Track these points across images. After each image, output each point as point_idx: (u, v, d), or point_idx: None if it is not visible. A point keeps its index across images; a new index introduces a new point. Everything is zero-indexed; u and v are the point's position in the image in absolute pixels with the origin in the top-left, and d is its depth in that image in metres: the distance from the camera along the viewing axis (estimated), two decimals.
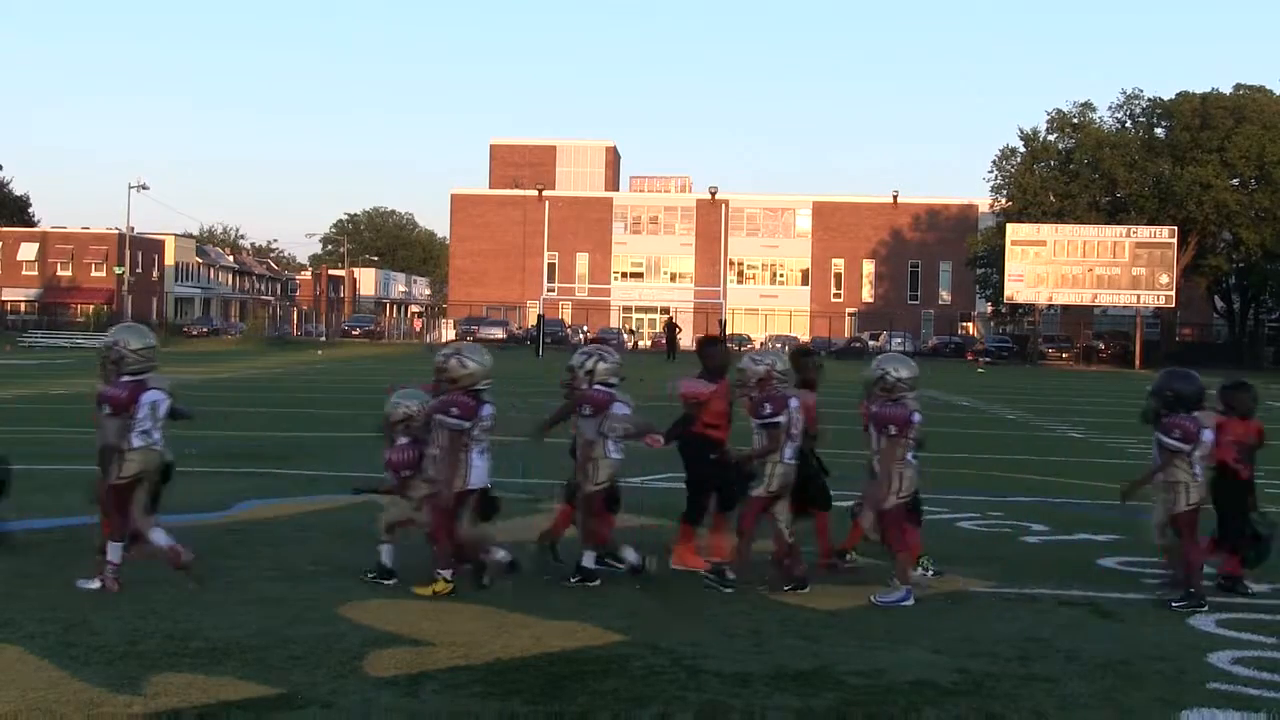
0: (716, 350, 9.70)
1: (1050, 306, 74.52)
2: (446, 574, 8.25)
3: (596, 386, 8.74)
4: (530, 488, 12.43)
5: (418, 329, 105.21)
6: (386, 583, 8.43)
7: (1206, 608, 8.29)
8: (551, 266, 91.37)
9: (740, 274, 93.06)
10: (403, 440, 8.68)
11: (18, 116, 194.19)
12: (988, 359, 68.54)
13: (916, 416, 8.54)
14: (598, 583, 8.59)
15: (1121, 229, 68.16)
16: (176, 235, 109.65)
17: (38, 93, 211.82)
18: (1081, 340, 77.21)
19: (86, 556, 9.07)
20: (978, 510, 12.34)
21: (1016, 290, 68.99)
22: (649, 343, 79.70)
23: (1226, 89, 71.79)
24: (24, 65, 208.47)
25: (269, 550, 9.61)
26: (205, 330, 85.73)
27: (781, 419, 8.65)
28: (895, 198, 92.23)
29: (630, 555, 8.71)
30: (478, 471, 8.41)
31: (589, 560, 8.68)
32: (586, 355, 8.94)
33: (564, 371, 8.96)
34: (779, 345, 77.91)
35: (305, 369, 42.44)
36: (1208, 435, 8.53)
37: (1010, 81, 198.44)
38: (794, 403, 8.76)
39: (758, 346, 76.29)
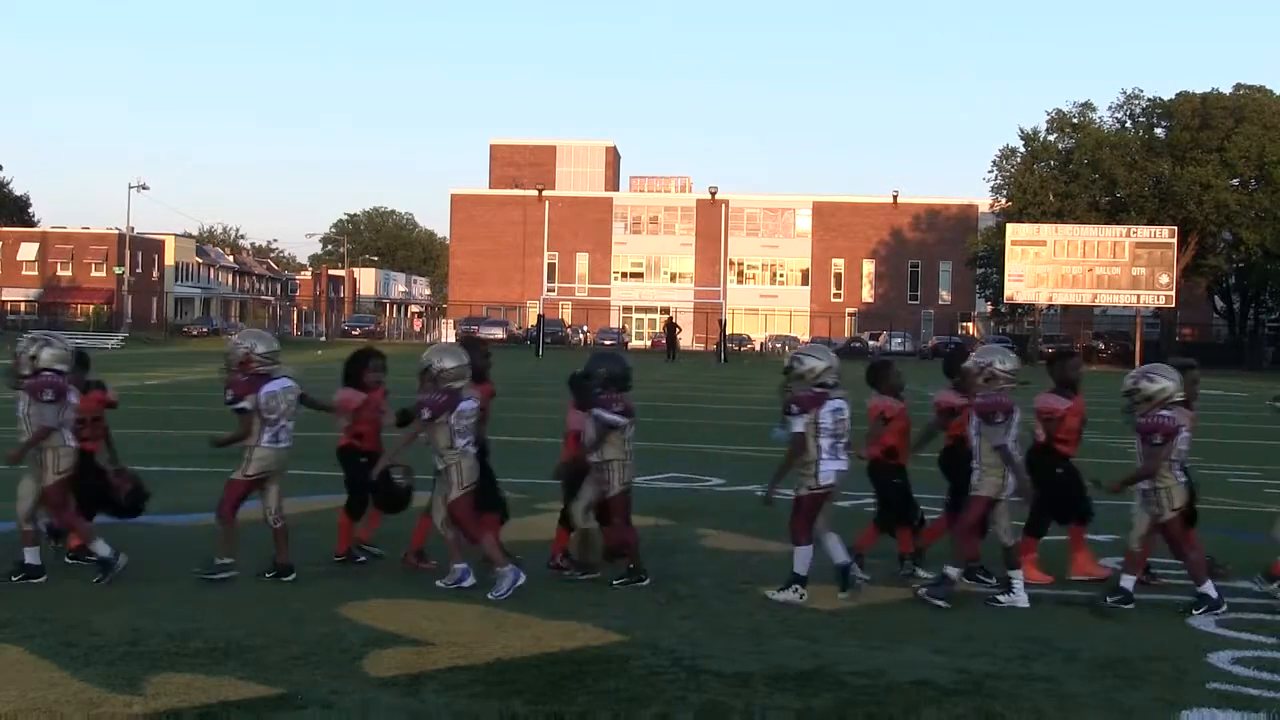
0: (1070, 364, 9.59)
1: (1050, 306, 74.47)
2: None
3: (45, 372, 8.41)
4: (526, 488, 12.41)
5: (418, 329, 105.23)
6: None
7: (647, 581, 8.55)
8: (551, 266, 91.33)
9: (740, 274, 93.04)
10: None
11: (18, 116, 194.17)
12: None
13: (468, 404, 8.45)
14: (42, 579, 8.35)
15: (1121, 229, 68.09)
16: (176, 235, 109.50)
17: (38, 92, 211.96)
18: (1081, 340, 77.08)
19: (85, 556, 9.06)
20: None
21: (1016, 290, 68.92)
22: (649, 343, 79.64)
23: (1226, 89, 71.71)
24: (24, 65, 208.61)
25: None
26: (205, 330, 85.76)
27: (247, 404, 8.54)
28: (895, 198, 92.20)
29: (101, 549, 8.48)
30: None
31: (32, 556, 8.43)
32: (30, 341, 8.64)
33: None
34: (779, 345, 78.01)
35: (305, 369, 42.40)
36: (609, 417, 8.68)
37: (1010, 81, 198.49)
38: (270, 387, 8.63)
39: (756, 347, 76.66)
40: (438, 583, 8.50)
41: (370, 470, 8.93)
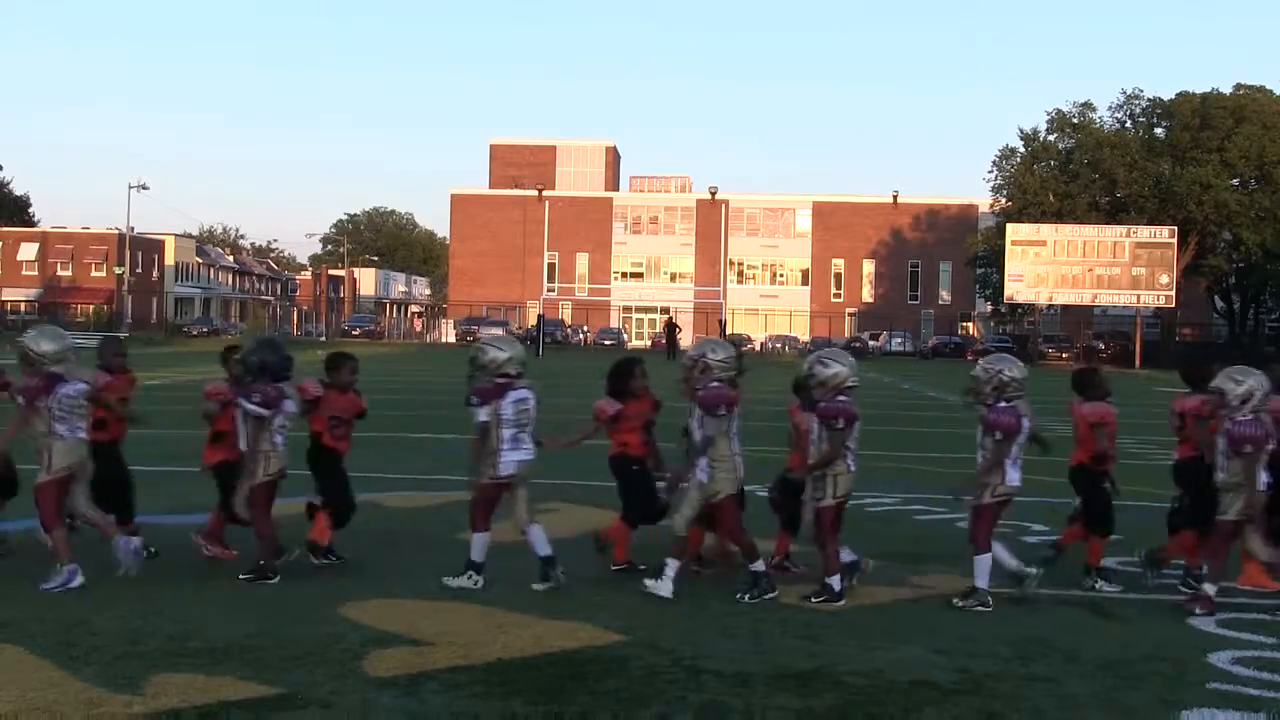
0: (1273, 370, 9.30)
1: (1050, 306, 74.51)
2: None
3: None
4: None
5: (418, 329, 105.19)
6: None
7: (276, 579, 8.48)
8: (551, 266, 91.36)
9: (740, 274, 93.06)
10: None
11: (18, 116, 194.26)
12: None
13: (74, 387, 8.46)
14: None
15: (1121, 229, 68.13)
16: (176, 235, 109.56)
17: (38, 93, 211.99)
18: (1081, 340, 77.12)
19: (86, 556, 9.06)
20: None
21: (1016, 290, 68.97)
22: (649, 343, 79.62)
23: (1226, 89, 71.80)
24: (25, 65, 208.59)
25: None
26: (205, 330, 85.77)
27: None
28: (895, 198, 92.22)
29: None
30: None
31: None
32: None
33: None
34: (780, 345, 77.93)
35: (305, 369, 42.36)
36: (289, 406, 8.76)
37: (1010, 81, 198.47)
38: None
39: (757, 348, 76.59)
40: (41, 586, 8.18)
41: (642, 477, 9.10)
